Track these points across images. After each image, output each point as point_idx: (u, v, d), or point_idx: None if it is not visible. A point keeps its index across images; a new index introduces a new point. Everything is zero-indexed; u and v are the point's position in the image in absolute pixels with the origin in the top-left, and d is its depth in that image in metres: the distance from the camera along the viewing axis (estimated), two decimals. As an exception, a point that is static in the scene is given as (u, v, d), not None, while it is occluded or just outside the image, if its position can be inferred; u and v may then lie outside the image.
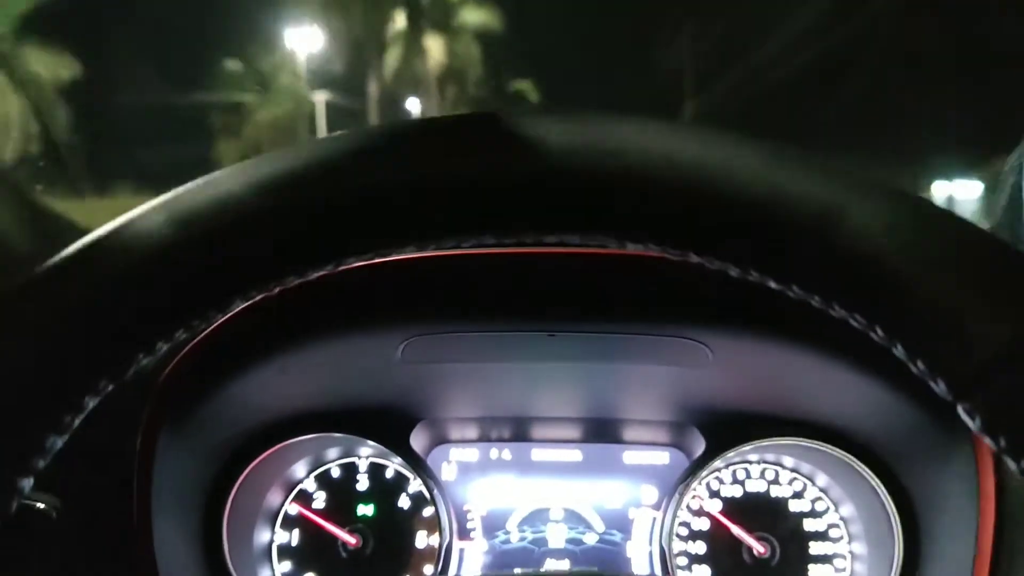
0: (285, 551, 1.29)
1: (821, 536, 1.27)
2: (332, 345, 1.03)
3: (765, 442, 1.21)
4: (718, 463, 1.24)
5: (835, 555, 1.25)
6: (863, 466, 1.16)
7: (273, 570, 1.28)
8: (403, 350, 1.02)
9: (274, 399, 1.10)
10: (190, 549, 1.16)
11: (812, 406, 1.11)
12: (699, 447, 1.24)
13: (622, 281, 0.94)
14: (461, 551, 1.28)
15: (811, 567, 1.25)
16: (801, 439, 1.19)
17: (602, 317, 1.00)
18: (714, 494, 1.28)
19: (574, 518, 1.32)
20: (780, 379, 1.07)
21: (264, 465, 1.22)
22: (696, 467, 1.23)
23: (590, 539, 1.31)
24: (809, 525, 1.27)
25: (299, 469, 1.30)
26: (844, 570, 1.24)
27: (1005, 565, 0.99)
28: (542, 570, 1.27)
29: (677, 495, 1.24)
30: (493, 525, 1.32)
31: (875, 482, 1.15)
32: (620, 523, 1.31)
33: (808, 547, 1.26)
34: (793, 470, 1.28)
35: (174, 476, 1.07)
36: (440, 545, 1.23)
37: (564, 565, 1.29)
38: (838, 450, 1.17)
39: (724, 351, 1.01)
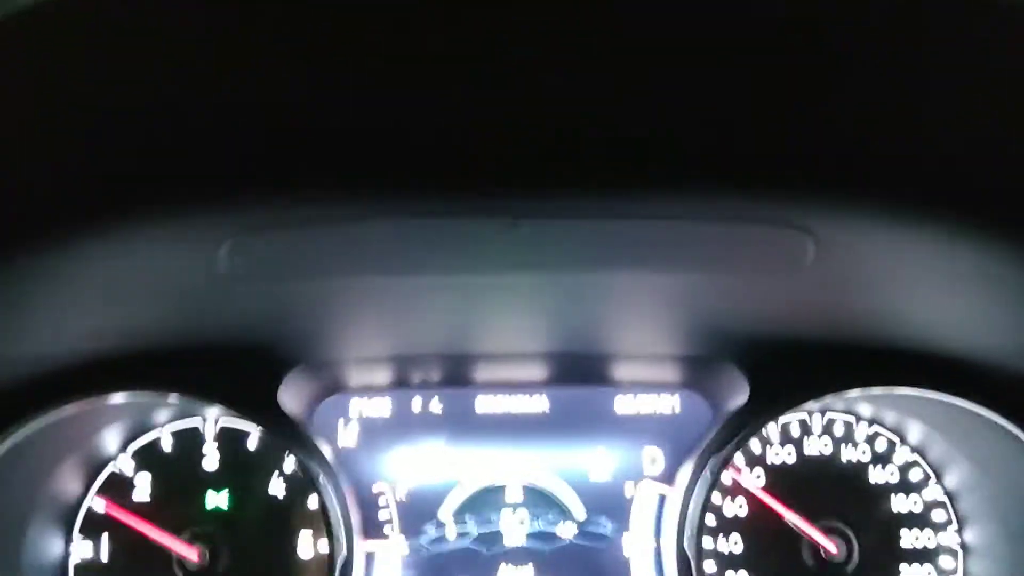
0: (88, 572, 0.91)
1: (919, 520, 0.92)
2: (116, 246, 0.65)
3: (852, 392, 0.84)
4: (767, 418, 0.88)
5: (941, 550, 0.91)
6: (998, 418, 0.81)
7: None
8: (229, 255, 0.65)
9: (59, 335, 0.77)
10: None
11: (934, 333, 0.81)
12: (736, 393, 0.89)
13: (656, 117, 0.54)
14: (368, 559, 0.91)
15: (904, 569, 0.90)
16: (914, 387, 0.83)
17: (617, 187, 0.60)
18: (756, 461, 0.93)
19: (541, 501, 0.96)
20: (897, 291, 0.74)
21: (48, 436, 0.84)
22: (733, 427, 0.87)
23: (566, 532, 0.94)
24: (900, 505, 0.92)
25: (108, 440, 0.91)
26: (953, 571, 0.91)
27: None
28: None
29: (700, 464, 0.88)
30: (418, 516, 0.95)
31: (1007, 431, 0.81)
32: (611, 506, 0.95)
33: (899, 538, 0.91)
34: (873, 420, 0.93)
35: None
36: (333, 555, 0.86)
37: (526, 574, 0.93)
38: (962, 401, 0.82)
39: (832, 247, 0.67)
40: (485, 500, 0.97)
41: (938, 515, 0.90)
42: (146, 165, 0.54)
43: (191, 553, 0.87)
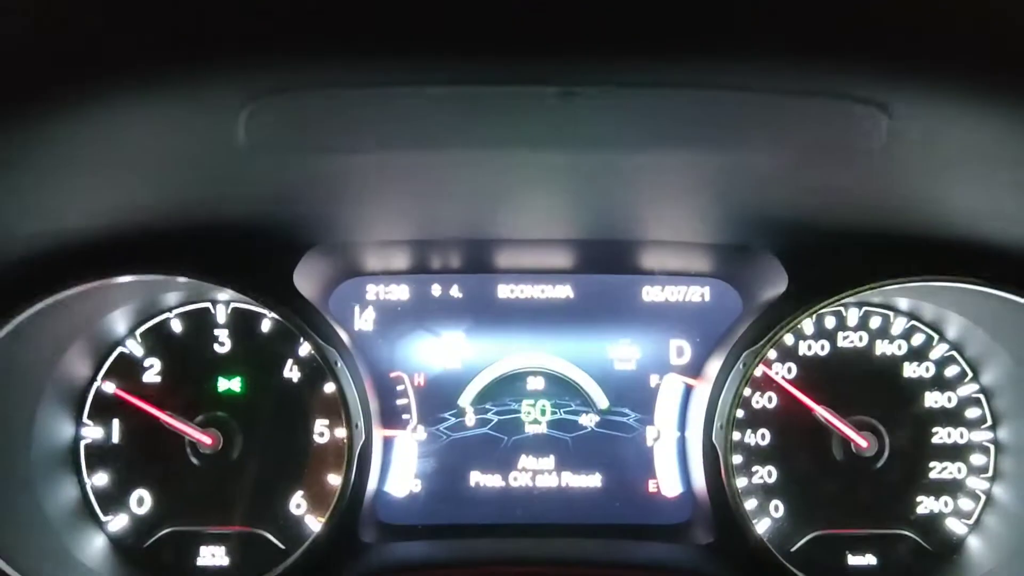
0: (99, 455, 0.88)
1: (952, 417, 0.89)
2: (119, 113, 0.59)
3: (894, 284, 0.80)
4: (803, 310, 0.83)
5: (971, 447, 0.88)
6: None
7: (82, 483, 0.83)
8: (247, 123, 0.60)
9: (52, 208, 0.72)
10: None
11: (983, 224, 0.79)
12: (773, 284, 0.85)
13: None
14: (386, 444, 0.90)
15: (935, 465, 0.88)
16: (958, 279, 0.79)
17: (683, 52, 0.53)
18: (788, 353, 0.89)
19: (563, 389, 0.93)
20: (955, 178, 0.71)
21: (55, 317, 0.80)
22: (771, 318, 0.83)
23: (588, 421, 0.93)
24: (934, 401, 0.89)
25: (117, 322, 0.88)
26: (984, 468, 0.88)
27: None
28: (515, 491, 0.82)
29: (732, 355, 0.85)
30: (437, 403, 0.93)
31: None
32: (635, 396, 0.92)
33: (932, 435, 0.88)
34: (910, 314, 0.89)
35: None
36: (350, 441, 0.83)
37: (547, 463, 0.92)
38: (1007, 292, 0.79)
39: (904, 127, 0.62)
40: (505, 388, 0.95)
41: (972, 412, 0.87)
42: (165, 18, 0.47)
43: (205, 438, 0.85)
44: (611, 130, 0.59)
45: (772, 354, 0.89)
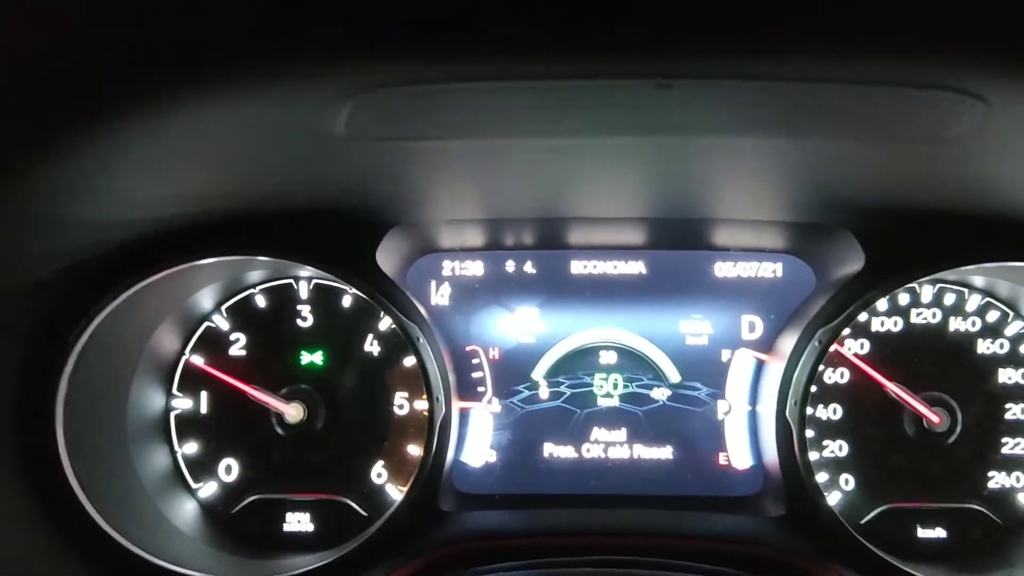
0: (189, 425, 0.93)
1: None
2: (229, 107, 0.62)
3: (988, 263, 0.81)
4: (881, 289, 0.84)
5: None
6: None
7: (173, 452, 0.86)
8: (349, 115, 0.63)
9: (151, 197, 0.75)
10: None
11: None
12: (849, 263, 0.86)
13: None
14: (463, 417, 0.93)
15: (1007, 441, 0.90)
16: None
17: (779, 47, 0.54)
18: (861, 329, 0.91)
19: (635, 363, 0.96)
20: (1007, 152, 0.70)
21: (147, 296, 0.85)
22: (846, 295, 0.85)
23: (659, 395, 0.95)
24: (1008, 377, 0.90)
25: (204, 298, 0.92)
26: None
27: None
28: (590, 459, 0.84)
29: (806, 332, 0.86)
30: (511, 376, 0.96)
31: None
32: (706, 371, 0.95)
33: (1004, 411, 0.90)
34: (985, 292, 0.91)
35: None
36: (431, 413, 0.87)
37: (619, 435, 0.95)
38: None
39: (1000, 115, 0.62)
40: (578, 362, 0.98)
41: None
42: (274, 20, 0.50)
43: (290, 409, 0.89)
44: (706, 118, 0.62)
45: (846, 331, 0.89)
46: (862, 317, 0.92)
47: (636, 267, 0.96)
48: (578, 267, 0.96)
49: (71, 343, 0.83)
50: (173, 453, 0.92)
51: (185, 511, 0.91)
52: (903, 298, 0.90)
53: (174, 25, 0.48)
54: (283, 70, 0.56)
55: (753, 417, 0.93)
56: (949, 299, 0.90)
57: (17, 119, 0.56)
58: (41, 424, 0.84)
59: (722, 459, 0.94)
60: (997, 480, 0.90)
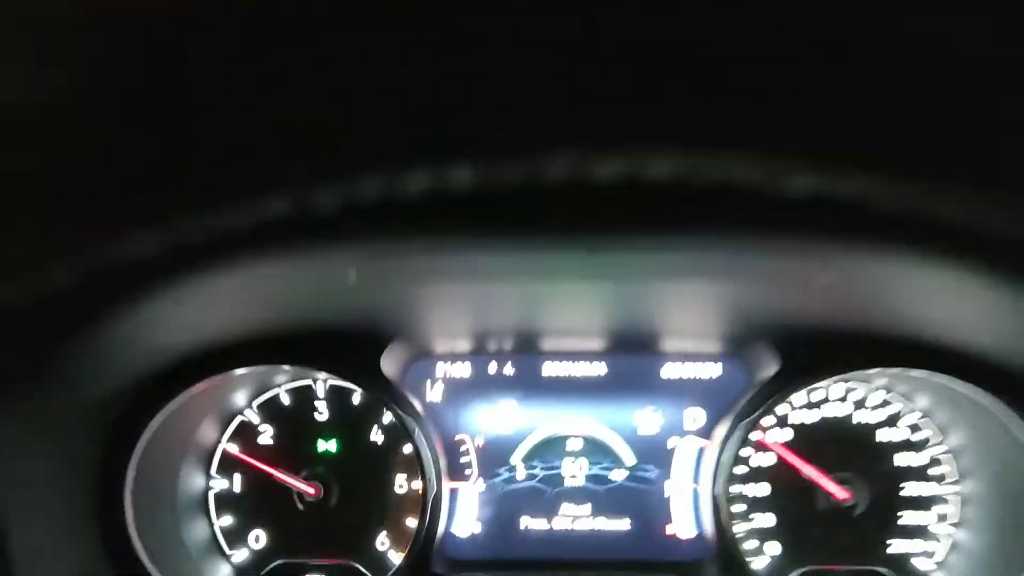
0: (225, 502, 1.10)
1: (920, 474, 1.06)
2: (264, 266, 0.77)
3: (871, 371, 0.98)
4: (794, 387, 1.01)
5: (938, 498, 1.05)
6: (996, 401, 0.93)
7: (212, 524, 1.03)
8: (357, 273, 0.80)
9: (202, 325, 0.92)
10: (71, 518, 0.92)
11: (938, 327, 0.91)
12: (768, 365, 1.02)
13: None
14: (453, 495, 1.09)
15: (906, 514, 1.05)
16: (918, 369, 0.95)
17: (653, 218, 0.71)
18: (783, 421, 1.07)
19: (597, 450, 1.11)
20: (902, 292, 0.83)
21: (194, 399, 1.02)
22: (765, 394, 1.01)
23: (618, 476, 1.10)
24: (905, 460, 1.06)
25: (238, 397, 1.09)
26: (950, 518, 1.05)
27: None
28: (557, 531, 1.00)
29: (735, 424, 1.02)
30: (493, 460, 1.11)
31: (1000, 410, 0.93)
32: (657, 455, 1.10)
33: (902, 488, 1.05)
34: (886, 389, 1.06)
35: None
36: (425, 492, 1.03)
37: (584, 510, 1.10)
38: (961, 383, 0.94)
39: (868, 274, 0.80)
40: (550, 448, 1.11)
41: (940, 469, 1.04)
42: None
43: (309, 488, 1.06)
44: (624, 272, 0.79)
45: (770, 420, 1.04)
46: (784, 410, 1.05)
47: (598, 369, 1.11)
48: (549, 369, 1.11)
49: (137, 440, 0.98)
50: (211, 525, 1.08)
51: (221, 573, 1.06)
52: (817, 394, 1.05)
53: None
54: (302, 252, 0.75)
55: (695, 494, 1.09)
56: (855, 395, 1.06)
57: (122, 279, 0.74)
58: (114, 503, 0.97)
59: (670, 530, 1.09)
60: (897, 546, 1.04)
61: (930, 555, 1.04)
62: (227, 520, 1.08)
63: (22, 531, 0.84)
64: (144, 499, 1.00)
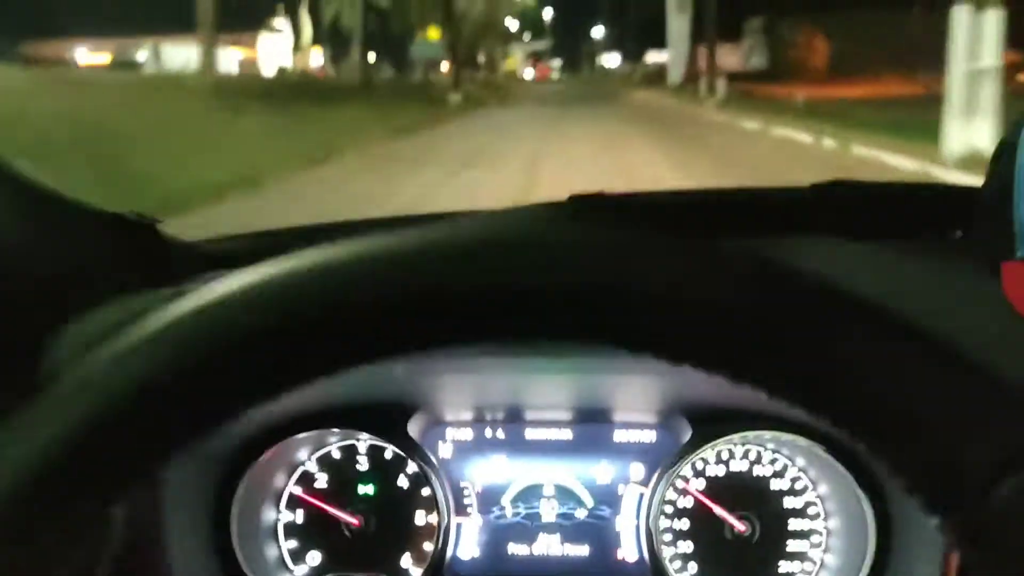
0: (291, 530, 1.43)
1: (800, 513, 1.39)
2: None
3: (749, 434, 1.33)
4: (704, 448, 1.34)
5: (812, 531, 1.38)
6: (832, 458, 1.30)
7: (280, 548, 1.39)
8: (406, 369, 1.09)
9: (280, 405, 1.15)
10: (199, 536, 1.25)
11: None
12: (686, 432, 1.35)
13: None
14: (459, 527, 1.40)
15: (790, 542, 1.39)
16: (782, 432, 1.30)
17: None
18: (699, 473, 1.40)
19: (565, 494, 1.43)
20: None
21: (270, 457, 1.36)
22: (682, 453, 1.35)
23: (581, 514, 1.42)
24: (788, 503, 1.39)
25: (302, 452, 1.43)
26: (820, 545, 1.39)
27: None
28: (536, 552, 1.36)
29: (663, 475, 1.36)
30: (488, 501, 1.43)
31: (844, 470, 1.29)
32: (609, 499, 1.42)
33: (787, 523, 1.38)
34: (775, 451, 1.40)
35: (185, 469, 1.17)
36: (439, 524, 1.35)
37: (556, 539, 1.43)
38: (811, 442, 1.30)
39: None
40: (530, 493, 1.38)
41: (813, 510, 1.31)
42: None
43: (354, 520, 1.37)
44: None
45: (689, 472, 1.36)
46: (699, 465, 1.34)
47: (566, 434, 1.39)
48: (530, 434, 1.40)
49: (239, 483, 1.29)
50: (279, 547, 1.41)
51: None
52: (724, 454, 1.37)
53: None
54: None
55: (637, 528, 1.44)
56: (752, 454, 1.38)
57: None
58: (225, 528, 1.30)
59: (619, 554, 1.38)
60: (784, 567, 1.34)
61: (808, 573, 1.38)
62: (292, 544, 1.37)
63: (176, 543, 1.21)
64: (242, 527, 1.34)
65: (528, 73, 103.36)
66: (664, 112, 26.57)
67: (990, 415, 0.38)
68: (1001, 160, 0.95)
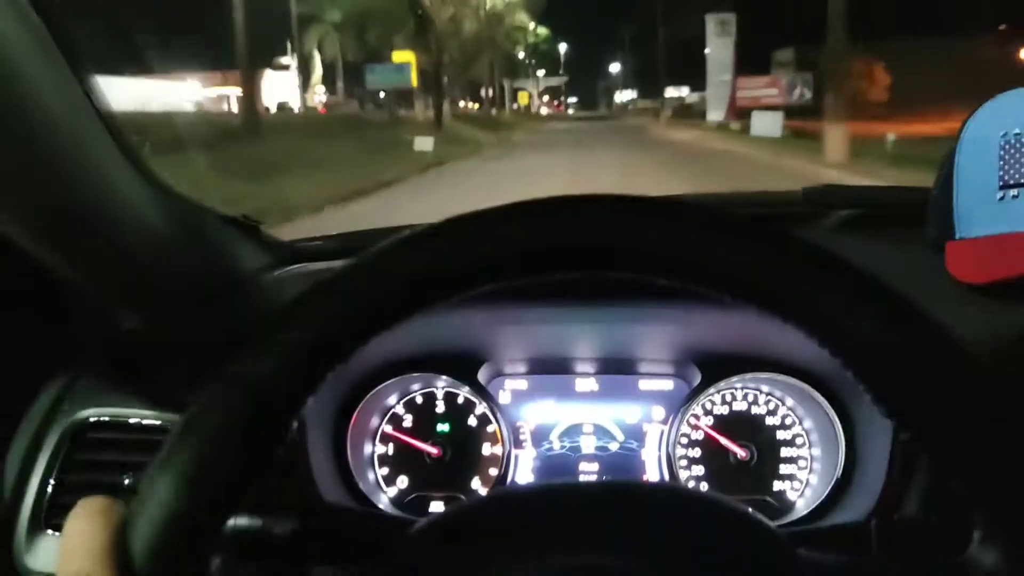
0: (383, 460, 1.60)
1: (789, 443, 1.55)
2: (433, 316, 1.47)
3: (748, 376, 1.50)
4: (711, 390, 1.64)
5: (799, 457, 1.53)
6: (817, 393, 1.59)
7: (376, 474, 1.72)
8: (482, 318, 1.43)
9: (384, 350, 1.48)
10: (326, 458, 1.60)
11: (783, 350, 1.42)
12: (696, 378, 1.52)
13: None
14: (516, 457, 1.56)
15: (781, 466, 1.53)
16: (775, 374, 1.48)
17: (628, 294, 1.40)
18: (707, 412, 1.56)
19: (601, 431, 1.61)
20: (759, 332, 1.37)
21: (369, 398, 1.57)
22: (694, 393, 1.51)
23: (613, 447, 1.60)
24: (780, 435, 1.54)
25: (392, 398, 1.60)
26: (806, 468, 1.54)
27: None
28: (579, 478, 1.69)
29: (679, 414, 1.52)
30: (540, 437, 1.60)
31: (825, 405, 1.57)
32: (636, 434, 1.60)
33: (779, 452, 1.54)
34: (769, 394, 1.54)
35: (319, 407, 1.51)
36: (502, 454, 1.56)
37: (594, 467, 1.59)
38: (800, 382, 1.49)
39: (716, 315, 1.36)
40: (573, 431, 1.58)
41: (799, 440, 1.51)
42: None
43: (433, 450, 1.56)
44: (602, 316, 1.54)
45: (700, 412, 1.61)
46: (708, 405, 1.56)
47: (602, 383, 1.62)
48: (573, 384, 1.61)
49: (352, 417, 1.55)
50: (375, 473, 1.69)
51: (382, 501, 1.63)
52: (728, 396, 1.56)
53: None
54: None
55: (659, 458, 1.76)
56: (751, 396, 1.54)
57: None
58: (343, 454, 1.60)
59: (645, 479, 1.63)
60: (776, 485, 1.50)
61: (796, 490, 1.53)
62: (384, 471, 1.58)
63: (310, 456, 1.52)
64: (353, 458, 1.60)
65: (542, 109, 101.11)
66: (738, 165, 18.13)
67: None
68: (944, 163, 1.17)
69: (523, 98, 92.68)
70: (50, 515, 1.14)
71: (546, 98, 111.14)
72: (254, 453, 0.51)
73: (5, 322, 1.16)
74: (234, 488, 0.50)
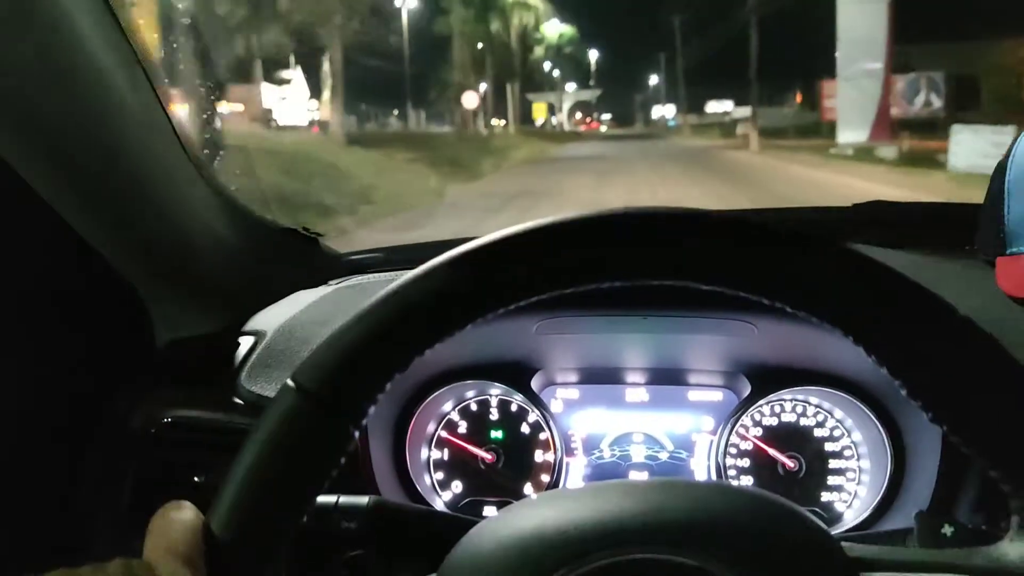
0: (438, 464, 1.64)
1: (837, 455, 1.56)
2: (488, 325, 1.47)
3: (797, 389, 1.55)
4: (760, 402, 1.67)
5: (847, 468, 1.55)
6: (865, 406, 1.61)
7: (432, 478, 1.77)
8: (537, 327, 1.47)
9: (434, 360, 1.51)
10: (386, 462, 1.65)
11: (832, 364, 1.46)
12: (746, 389, 1.56)
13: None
14: (567, 465, 1.60)
15: (830, 477, 1.55)
16: (823, 387, 1.52)
17: (679, 305, 1.44)
18: (756, 423, 1.58)
19: (651, 440, 1.64)
20: (809, 345, 1.42)
21: (428, 406, 1.62)
22: (743, 405, 1.56)
23: (663, 456, 1.63)
24: (828, 447, 1.56)
25: (447, 405, 1.65)
26: (854, 479, 1.56)
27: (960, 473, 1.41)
28: (628, 478, 1.73)
29: (728, 424, 1.56)
30: (590, 446, 1.64)
31: (874, 418, 1.59)
32: (685, 444, 1.63)
33: (828, 463, 1.56)
34: (817, 406, 1.57)
35: (379, 412, 1.56)
36: (554, 460, 1.60)
37: (643, 476, 1.61)
38: (848, 395, 1.54)
39: (767, 328, 1.43)
40: (623, 439, 1.61)
41: (848, 452, 1.51)
42: None
43: (488, 456, 1.59)
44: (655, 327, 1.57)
45: (748, 422, 1.60)
46: (757, 417, 1.58)
47: (652, 393, 1.66)
48: (624, 394, 1.63)
49: (410, 422, 1.60)
50: (431, 477, 1.69)
51: (437, 505, 1.66)
52: (776, 407, 1.59)
53: None
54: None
55: (708, 467, 1.78)
56: (799, 408, 1.56)
57: None
58: (403, 456, 1.63)
59: None
60: (825, 496, 1.51)
61: (844, 501, 1.57)
62: (439, 475, 1.60)
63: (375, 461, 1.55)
64: (412, 458, 1.66)
65: (566, 125, 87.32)
66: None
67: None
68: (995, 178, 1.17)
69: (538, 111, 79.80)
70: (130, 515, 1.20)
71: (578, 115, 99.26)
72: (322, 458, 0.55)
73: (89, 329, 1.22)
74: (305, 490, 0.55)
